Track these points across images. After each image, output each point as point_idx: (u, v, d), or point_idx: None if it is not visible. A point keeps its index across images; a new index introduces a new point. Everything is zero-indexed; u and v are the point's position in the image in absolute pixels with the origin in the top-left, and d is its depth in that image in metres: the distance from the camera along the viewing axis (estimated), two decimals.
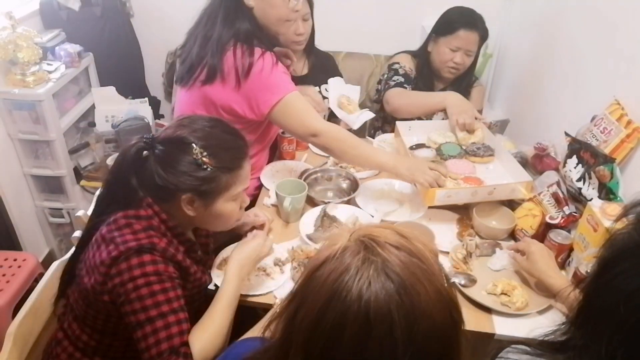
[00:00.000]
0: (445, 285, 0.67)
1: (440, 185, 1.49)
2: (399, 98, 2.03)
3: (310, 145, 1.97)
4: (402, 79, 2.07)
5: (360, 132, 2.08)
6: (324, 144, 1.53)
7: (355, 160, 1.64)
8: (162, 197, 1.11)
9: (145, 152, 1.10)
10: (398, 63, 2.14)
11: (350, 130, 1.70)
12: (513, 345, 0.80)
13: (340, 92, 1.87)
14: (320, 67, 2.16)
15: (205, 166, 1.08)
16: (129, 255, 1.02)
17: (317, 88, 2.13)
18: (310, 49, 2.05)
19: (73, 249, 1.22)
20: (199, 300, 1.23)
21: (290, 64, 1.77)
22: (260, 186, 1.77)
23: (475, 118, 1.87)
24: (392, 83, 2.07)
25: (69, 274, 1.19)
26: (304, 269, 0.78)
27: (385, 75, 2.15)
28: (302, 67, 2.13)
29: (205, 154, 1.07)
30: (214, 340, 1.09)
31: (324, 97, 2.13)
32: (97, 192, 1.21)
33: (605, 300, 0.66)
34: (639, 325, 0.61)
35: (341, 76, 2.14)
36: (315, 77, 2.13)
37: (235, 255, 1.23)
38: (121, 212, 1.09)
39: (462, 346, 0.68)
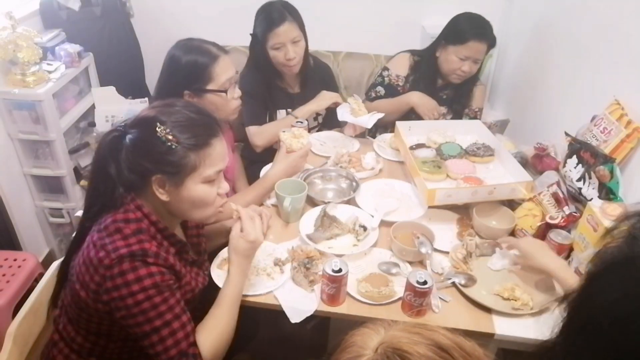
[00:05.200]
0: None
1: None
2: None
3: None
4: (383, 92, 2.20)
5: (360, 133, 2.10)
6: None
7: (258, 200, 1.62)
8: (136, 185, 1.08)
9: (122, 142, 1.07)
10: (388, 69, 2.21)
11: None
12: None
13: (347, 107, 1.95)
14: (315, 82, 2.14)
15: (170, 144, 1.04)
16: (122, 262, 1.01)
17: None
18: (305, 68, 2.05)
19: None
20: (194, 302, 1.22)
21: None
22: None
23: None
24: (372, 95, 2.21)
25: (62, 277, 1.18)
26: None
27: (374, 81, 2.27)
28: (296, 85, 2.13)
29: (168, 131, 1.05)
30: (221, 339, 1.11)
31: (318, 114, 2.15)
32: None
33: (588, 313, 0.61)
34: (621, 339, 0.55)
35: (337, 88, 2.21)
36: (310, 93, 2.11)
37: (233, 254, 1.20)
38: (110, 217, 1.07)
39: None
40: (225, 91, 1.54)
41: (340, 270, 1.21)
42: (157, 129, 1.04)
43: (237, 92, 1.61)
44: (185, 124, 1.08)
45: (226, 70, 1.54)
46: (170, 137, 1.05)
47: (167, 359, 1.03)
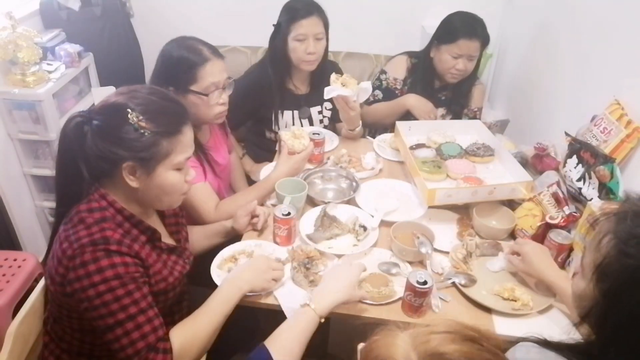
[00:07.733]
0: None
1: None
2: (370, 115, 2.14)
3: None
4: (381, 95, 2.20)
5: (359, 133, 2.09)
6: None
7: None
8: (104, 172, 1.08)
9: (85, 128, 1.06)
10: (385, 73, 2.21)
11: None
12: (522, 343, 0.80)
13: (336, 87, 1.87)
14: (324, 84, 2.06)
15: (142, 131, 1.04)
16: (83, 252, 0.99)
17: (318, 107, 2.12)
18: (318, 69, 2.02)
19: None
20: (174, 290, 1.20)
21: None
22: None
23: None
24: (370, 99, 2.19)
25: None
26: None
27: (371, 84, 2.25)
28: (304, 86, 2.10)
29: (142, 118, 1.04)
30: (195, 339, 1.09)
31: (324, 117, 2.14)
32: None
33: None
34: None
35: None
36: (317, 95, 2.06)
37: (239, 271, 1.23)
38: (75, 209, 1.07)
39: None
40: (207, 94, 1.51)
41: (289, 214, 1.38)
42: (128, 115, 1.03)
43: (223, 99, 1.58)
44: (156, 111, 1.08)
45: (213, 75, 1.51)
46: (142, 124, 1.04)
47: (135, 352, 1.00)
